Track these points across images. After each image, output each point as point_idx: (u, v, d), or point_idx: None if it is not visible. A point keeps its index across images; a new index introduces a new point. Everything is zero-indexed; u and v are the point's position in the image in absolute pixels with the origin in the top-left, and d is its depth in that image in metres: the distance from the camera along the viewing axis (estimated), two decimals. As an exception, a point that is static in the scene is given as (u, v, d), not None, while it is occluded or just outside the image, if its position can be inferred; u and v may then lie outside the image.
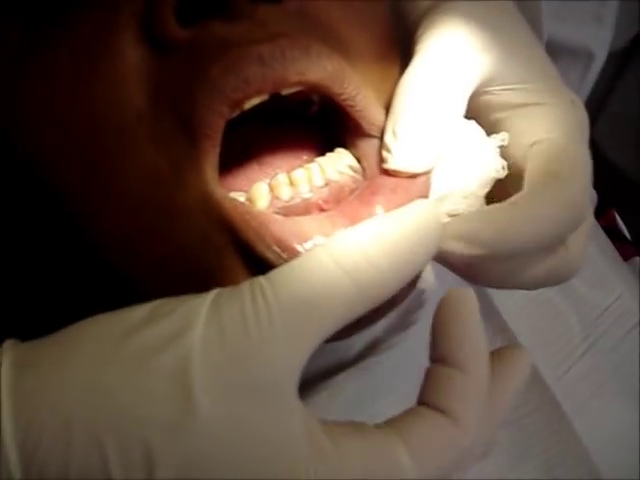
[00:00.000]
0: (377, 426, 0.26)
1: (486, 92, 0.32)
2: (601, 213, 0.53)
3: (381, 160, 0.31)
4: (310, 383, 0.39)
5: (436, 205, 0.30)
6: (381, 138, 0.31)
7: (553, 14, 0.47)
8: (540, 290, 0.47)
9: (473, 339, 0.27)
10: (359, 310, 0.25)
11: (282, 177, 0.30)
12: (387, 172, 0.31)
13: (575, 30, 0.50)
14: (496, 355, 0.29)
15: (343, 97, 0.29)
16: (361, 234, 0.26)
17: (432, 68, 0.31)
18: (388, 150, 0.30)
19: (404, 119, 0.30)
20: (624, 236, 0.53)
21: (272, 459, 0.23)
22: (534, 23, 0.37)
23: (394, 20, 0.35)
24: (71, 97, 0.29)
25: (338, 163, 0.31)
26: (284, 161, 0.32)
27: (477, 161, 0.31)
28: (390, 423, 0.26)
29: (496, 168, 0.31)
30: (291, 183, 0.30)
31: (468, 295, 0.27)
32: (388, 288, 0.26)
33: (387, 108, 0.31)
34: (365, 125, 0.31)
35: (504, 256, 0.30)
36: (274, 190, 0.30)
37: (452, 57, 0.31)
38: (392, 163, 0.30)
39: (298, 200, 0.30)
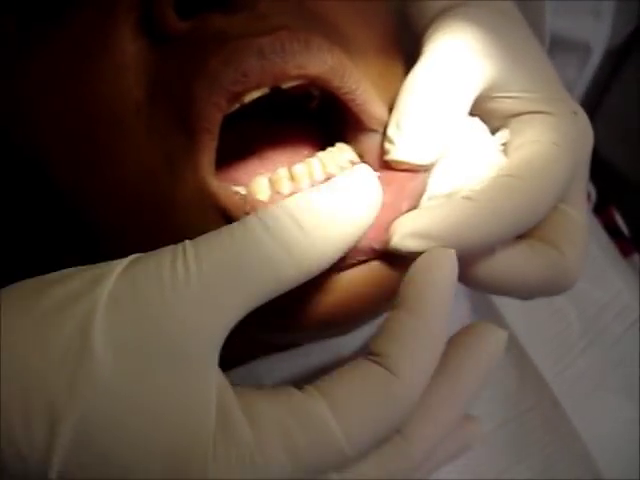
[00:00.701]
0: (303, 389, 0.25)
1: (489, 99, 0.32)
2: (600, 211, 0.53)
3: (381, 153, 0.30)
4: (307, 380, 0.39)
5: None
6: (383, 132, 0.31)
7: (551, 8, 0.46)
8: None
9: (437, 289, 0.25)
10: (290, 280, 0.24)
11: (283, 172, 0.30)
12: (387, 165, 0.30)
13: (573, 24, 0.50)
14: (465, 329, 0.28)
15: (343, 91, 0.29)
16: (295, 202, 0.25)
17: (439, 68, 0.31)
18: (391, 142, 0.30)
19: (409, 113, 0.30)
20: (623, 233, 0.53)
21: (176, 423, 0.23)
22: (537, 25, 0.37)
23: (400, 20, 0.35)
24: (69, 90, 0.29)
25: (339, 158, 0.31)
26: (285, 156, 0.32)
27: (480, 158, 0.31)
28: (318, 383, 0.25)
29: (499, 165, 0.31)
30: (292, 178, 0.30)
31: (447, 253, 0.26)
32: (321, 258, 0.25)
33: (388, 103, 0.31)
34: (365, 119, 0.30)
35: (462, 252, 0.28)
36: (275, 184, 0.29)
37: (458, 60, 0.31)
38: (394, 153, 0.30)
39: None
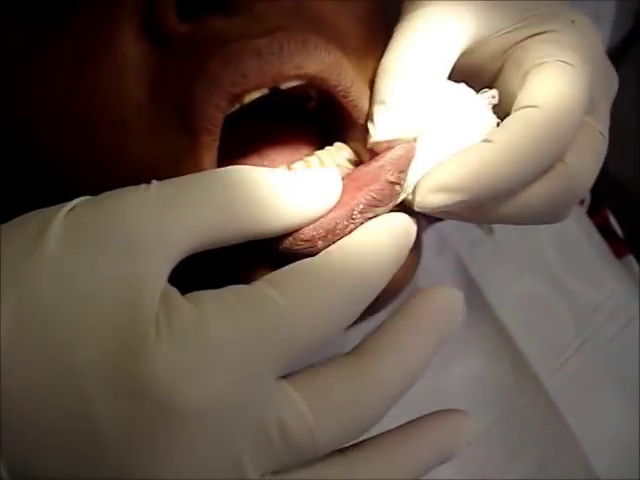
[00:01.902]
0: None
1: (483, 44, 0.31)
2: (594, 212, 0.53)
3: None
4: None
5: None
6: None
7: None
8: (533, 286, 0.48)
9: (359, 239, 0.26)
10: (241, 226, 0.24)
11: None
12: (373, 153, 0.30)
13: None
14: (417, 294, 0.27)
15: (339, 89, 0.30)
16: (268, 170, 0.26)
17: (409, 36, 0.30)
18: (371, 120, 0.30)
19: (384, 86, 0.30)
20: (617, 234, 0.53)
21: (118, 301, 0.22)
22: None
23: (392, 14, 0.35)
24: (71, 91, 0.29)
25: (337, 156, 0.31)
26: (284, 155, 0.32)
27: (471, 122, 0.30)
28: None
29: (490, 124, 0.30)
30: None
31: None
32: (277, 221, 0.25)
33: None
34: (355, 114, 0.31)
35: (488, 197, 0.28)
36: None
37: (432, 22, 0.30)
38: (374, 134, 0.29)
39: None
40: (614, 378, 0.47)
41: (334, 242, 0.27)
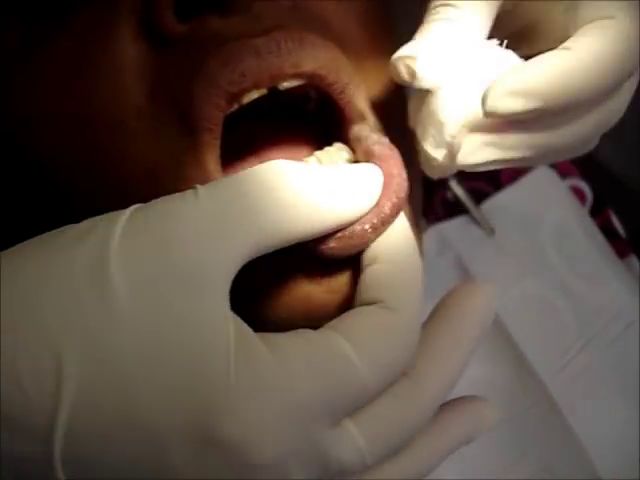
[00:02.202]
0: (317, 330, 0.25)
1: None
2: (597, 212, 0.53)
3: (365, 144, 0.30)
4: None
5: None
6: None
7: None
8: (535, 287, 0.48)
9: (401, 237, 0.27)
10: (291, 230, 0.24)
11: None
12: (370, 156, 0.30)
13: None
14: (452, 292, 0.28)
15: (335, 86, 0.30)
16: (307, 165, 0.26)
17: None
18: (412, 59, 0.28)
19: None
20: (620, 235, 0.53)
21: (192, 350, 0.22)
22: None
23: (397, 17, 0.35)
24: (69, 92, 0.29)
25: (336, 157, 0.31)
26: (283, 155, 0.32)
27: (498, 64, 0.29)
28: (328, 325, 0.25)
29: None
30: None
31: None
32: (321, 219, 0.25)
33: (380, 97, 0.32)
34: (349, 112, 0.31)
35: (561, 108, 0.27)
36: None
37: None
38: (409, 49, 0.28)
39: None
40: (617, 379, 0.47)
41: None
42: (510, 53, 0.29)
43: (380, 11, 0.34)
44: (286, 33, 0.28)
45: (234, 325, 0.23)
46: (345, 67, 0.30)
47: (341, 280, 0.29)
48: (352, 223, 0.27)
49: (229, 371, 0.22)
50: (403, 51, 0.28)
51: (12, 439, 0.22)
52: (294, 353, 0.23)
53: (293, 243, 0.25)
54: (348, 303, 0.28)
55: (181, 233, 0.23)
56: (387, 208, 0.27)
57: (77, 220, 0.30)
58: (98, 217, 0.24)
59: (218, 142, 0.28)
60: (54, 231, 0.24)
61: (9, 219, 0.34)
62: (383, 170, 0.28)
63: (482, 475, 0.43)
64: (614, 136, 0.33)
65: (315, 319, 0.27)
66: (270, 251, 0.24)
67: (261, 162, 0.32)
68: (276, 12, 0.29)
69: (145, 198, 0.28)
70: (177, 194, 0.24)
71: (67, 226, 0.24)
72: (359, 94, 0.31)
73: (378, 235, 0.28)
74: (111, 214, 0.24)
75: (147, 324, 0.22)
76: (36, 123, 0.30)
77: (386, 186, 0.28)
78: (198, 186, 0.24)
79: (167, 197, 0.24)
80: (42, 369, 0.21)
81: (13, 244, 0.34)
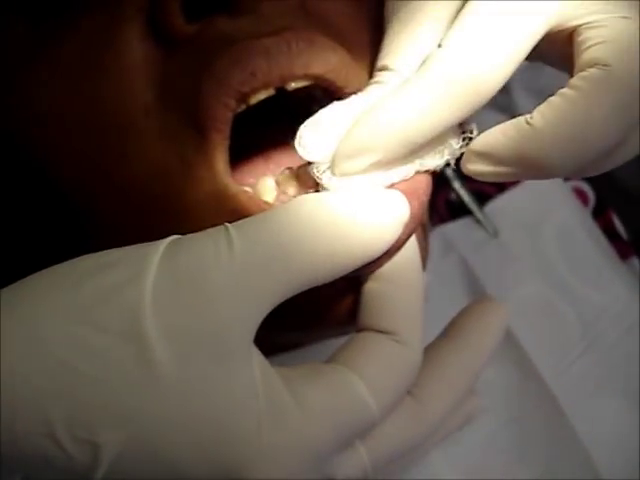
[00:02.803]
0: (330, 365, 0.26)
1: (569, 29, 0.28)
2: (599, 214, 0.53)
3: None
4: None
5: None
6: None
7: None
8: (538, 289, 0.48)
9: (407, 257, 0.28)
10: (324, 272, 0.25)
11: (288, 172, 0.30)
12: None
13: None
14: (465, 312, 0.30)
15: (346, 91, 0.30)
16: (337, 199, 0.25)
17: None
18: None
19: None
20: (622, 237, 0.53)
21: (223, 419, 0.23)
22: None
23: None
24: (77, 92, 0.29)
25: None
26: (289, 157, 0.32)
27: None
28: (340, 357, 0.26)
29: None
30: (297, 178, 0.30)
31: None
32: (355, 257, 0.25)
33: None
34: None
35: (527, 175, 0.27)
36: (280, 185, 0.30)
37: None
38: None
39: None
40: (619, 380, 0.47)
41: None
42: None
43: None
44: (296, 34, 0.28)
45: (262, 383, 0.24)
46: (354, 70, 0.30)
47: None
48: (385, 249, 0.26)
49: (259, 430, 0.24)
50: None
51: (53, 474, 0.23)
52: (318, 402, 0.25)
53: (322, 283, 0.25)
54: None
55: (211, 296, 0.23)
56: (404, 234, 0.27)
57: (82, 224, 0.31)
58: (120, 263, 0.24)
59: (227, 142, 0.28)
60: (69, 268, 0.24)
61: (12, 220, 0.34)
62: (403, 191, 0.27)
63: (484, 475, 0.43)
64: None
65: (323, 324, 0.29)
66: (298, 292, 0.25)
67: (267, 164, 0.32)
68: (284, 13, 0.29)
69: (153, 197, 0.29)
70: (208, 238, 0.24)
71: (80, 264, 0.24)
72: None
73: (391, 258, 0.28)
74: (136, 263, 0.23)
75: (181, 392, 0.23)
76: (44, 123, 0.30)
77: None
78: (230, 229, 0.24)
79: (196, 242, 0.24)
80: (80, 435, 0.22)
81: (13, 247, 0.34)
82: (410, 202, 0.27)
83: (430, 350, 0.29)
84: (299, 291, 0.25)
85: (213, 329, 0.23)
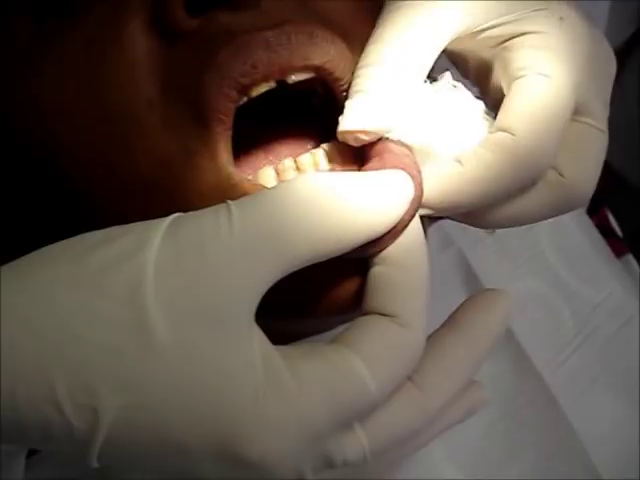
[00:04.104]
0: (330, 344, 0.26)
1: (470, 36, 0.31)
2: (594, 212, 0.53)
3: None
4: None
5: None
6: None
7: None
8: (534, 285, 0.48)
9: (412, 239, 0.28)
10: (324, 249, 0.25)
11: (288, 162, 0.30)
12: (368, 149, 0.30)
13: None
14: (469, 302, 0.30)
15: (342, 82, 0.30)
16: (339, 178, 0.26)
17: (395, 23, 0.30)
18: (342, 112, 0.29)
19: (361, 75, 0.29)
20: (616, 234, 0.53)
21: (221, 387, 0.24)
22: None
23: None
24: (81, 88, 0.29)
25: (342, 149, 0.31)
26: (289, 149, 0.33)
27: (465, 125, 0.30)
28: (341, 338, 0.26)
29: (485, 130, 0.31)
30: (297, 168, 0.30)
31: None
32: (357, 234, 0.26)
33: None
34: None
35: (459, 213, 0.30)
36: (280, 175, 0.30)
37: (418, 12, 0.29)
38: (341, 125, 0.29)
39: None
40: (614, 375, 0.47)
41: None
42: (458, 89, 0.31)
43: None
44: (296, 27, 0.29)
45: (260, 356, 0.24)
46: (352, 62, 0.30)
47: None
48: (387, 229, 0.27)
49: (256, 402, 0.24)
50: (346, 126, 0.29)
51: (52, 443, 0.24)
52: (315, 378, 0.25)
53: (321, 260, 0.25)
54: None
55: (212, 267, 0.24)
56: (407, 215, 0.27)
57: (89, 215, 0.31)
58: (125, 236, 0.24)
59: (230, 133, 0.29)
60: (75, 242, 0.25)
61: (16, 214, 0.34)
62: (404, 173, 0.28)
63: (480, 470, 0.43)
64: (616, 134, 0.33)
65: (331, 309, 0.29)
66: (297, 268, 0.25)
67: (267, 155, 0.33)
68: (284, 8, 0.30)
69: (158, 189, 0.29)
70: (210, 213, 0.24)
71: (87, 238, 0.25)
72: None
73: (396, 239, 0.28)
74: (140, 236, 0.24)
75: (181, 360, 0.23)
76: (48, 118, 0.30)
77: None
78: (231, 205, 0.24)
79: (199, 217, 0.24)
80: (80, 400, 0.23)
81: (17, 242, 0.34)
82: (413, 182, 0.28)
83: (432, 339, 0.29)
84: (301, 266, 0.25)
85: (211, 298, 0.23)
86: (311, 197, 0.25)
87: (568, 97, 0.30)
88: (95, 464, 0.24)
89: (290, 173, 0.30)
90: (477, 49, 0.32)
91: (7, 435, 0.23)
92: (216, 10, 0.29)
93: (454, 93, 0.31)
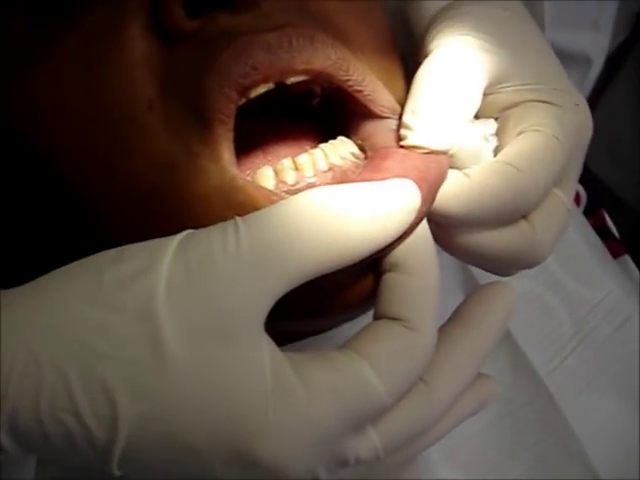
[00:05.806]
0: (340, 350, 0.27)
1: (494, 92, 0.33)
2: (591, 213, 0.54)
3: (397, 139, 0.31)
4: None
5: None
6: (399, 118, 0.32)
7: (551, 20, 0.48)
8: (531, 286, 0.48)
9: (422, 245, 0.28)
10: (328, 262, 0.26)
11: (287, 162, 0.31)
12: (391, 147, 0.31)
13: (573, 36, 0.51)
14: (476, 296, 0.30)
15: (349, 83, 0.30)
16: (343, 192, 0.26)
17: (449, 60, 0.32)
18: (407, 128, 0.31)
19: (425, 99, 0.31)
20: (613, 234, 0.53)
21: (234, 395, 0.24)
22: (537, 23, 0.38)
23: (396, 21, 0.36)
24: (81, 88, 0.29)
25: (341, 149, 0.32)
26: (288, 149, 0.33)
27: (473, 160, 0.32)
28: (351, 344, 0.27)
29: (491, 148, 0.33)
30: (296, 168, 0.30)
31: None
32: (358, 249, 0.26)
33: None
34: (375, 108, 0.31)
35: (446, 221, 0.31)
36: (279, 174, 0.30)
37: (467, 54, 0.32)
38: (411, 138, 0.31)
39: (303, 184, 0.30)
40: (611, 376, 0.47)
41: None
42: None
43: (382, 12, 0.35)
44: (297, 30, 0.29)
45: (270, 365, 0.25)
46: (355, 66, 0.30)
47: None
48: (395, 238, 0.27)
49: (267, 408, 0.24)
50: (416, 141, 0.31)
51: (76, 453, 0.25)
52: (323, 383, 0.25)
53: (329, 272, 0.26)
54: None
55: (221, 283, 0.24)
56: (415, 220, 0.28)
57: (90, 217, 0.31)
58: (138, 253, 0.25)
59: (231, 134, 0.29)
60: (91, 261, 0.26)
61: (16, 216, 0.34)
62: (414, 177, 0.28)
63: (478, 471, 0.43)
64: (607, 145, 0.34)
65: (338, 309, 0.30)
66: (305, 281, 0.26)
67: (265, 155, 0.33)
68: (284, 10, 0.30)
69: (159, 191, 0.29)
70: (218, 229, 0.25)
71: (101, 256, 0.26)
72: (379, 88, 0.32)
73: (402, 242, 0.28)
74: (152, 253, 0.25)
75: (194, 372, 0.24)
76: (48, 119, 0.30)
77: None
78: (238, 221, 0.25)
79: (207, 233, 0.25)
80: (100, 410, 0.24)
81: (16, 246, 0.34)
82: (420, 187, 0.28)
83: (440, 334, 0.29)
84: (307, 279, 0.26)
85: (221, 312, 0.24)
86: (315, 213, 0.25)
87: (565, 162, 0.33)
88: (117, 472, 0.25)
89: (289, 173, 0.30)
90: (490, 107, 0.34)
91: (35, 446, 0.25)
92: (215, 12, 0.29)
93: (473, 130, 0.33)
